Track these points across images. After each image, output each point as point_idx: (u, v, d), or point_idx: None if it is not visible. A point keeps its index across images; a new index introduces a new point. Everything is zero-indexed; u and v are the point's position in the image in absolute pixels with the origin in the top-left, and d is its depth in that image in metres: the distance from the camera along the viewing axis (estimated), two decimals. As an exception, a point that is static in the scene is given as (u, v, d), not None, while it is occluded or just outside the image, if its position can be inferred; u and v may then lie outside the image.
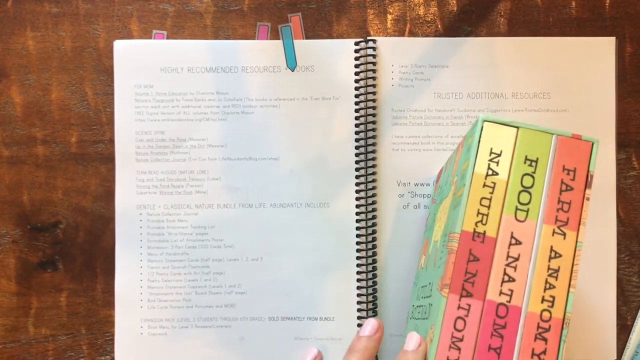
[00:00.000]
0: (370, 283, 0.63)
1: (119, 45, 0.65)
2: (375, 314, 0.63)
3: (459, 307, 0.40)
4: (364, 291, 0.63)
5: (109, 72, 0.65)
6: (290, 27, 0.65)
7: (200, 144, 0.64)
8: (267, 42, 0.65)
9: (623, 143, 0.64)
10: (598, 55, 0.64)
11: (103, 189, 0.65)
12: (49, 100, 0.65)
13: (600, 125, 0.64)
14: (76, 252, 0.64)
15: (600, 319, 0.63)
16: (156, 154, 0.64)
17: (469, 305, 0.41)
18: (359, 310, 0.63)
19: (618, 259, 0.63)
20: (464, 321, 0.40)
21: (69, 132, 0.65)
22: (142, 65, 0.65)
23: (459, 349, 0.40)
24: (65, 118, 0.65)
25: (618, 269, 0.63)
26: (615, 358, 0.63)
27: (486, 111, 0.64)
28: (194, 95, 0.65)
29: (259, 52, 0.65)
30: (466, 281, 0.41)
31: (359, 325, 0.63)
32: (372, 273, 0.63)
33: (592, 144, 0.42)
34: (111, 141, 0.65)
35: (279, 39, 0.65)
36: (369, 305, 0.63)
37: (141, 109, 0.65)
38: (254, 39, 0.65)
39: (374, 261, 0.63)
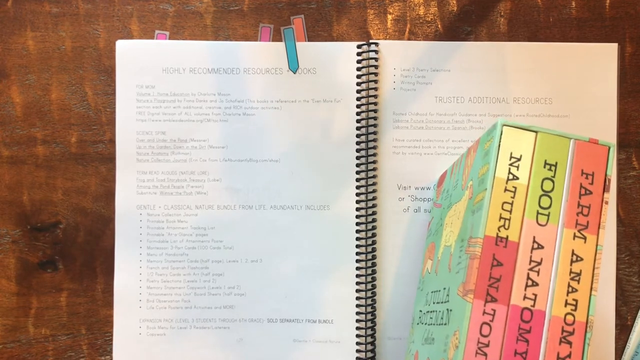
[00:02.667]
0: (369, 286, 0.63)
1: (121, 45, 0.64)
2: (374, 317, 0.63)
3: (484, 313, 0.40)
4: (363, 294, 0.63)
5: (109, 72, 0.65)
6: (292, 29, 0.65)
7: (201, 145, 0.64)
8: (269, 43, 0.65)
9: (623, 143, 0.64)
10: (600, 61, 0.64)
11: (103, 189, 0.64)
12: (49, 100, 0.64)
13: (602, 131, 0.64)
14: (76, 252, 0.64)
15: (600, 319, 0.63)
16: (157, 154, 0.64)
17: (494, 311, 0.40)
18: (357, 313, 0.63)
19: (618, 259, 0.63)
20: (490, 326, 0.40)
21: (69, 132, 0.65)
22: (144, 65, 0.64)
23: (485, 354, 0.40)
24: (65, 118, 0.65)
25: (618, 269, 0.63)
26: (615, 358, 0.63)
27: (487, 116, 0.64)
28: (196, 96, 0.64)
29: (261, 53, 0.64)
30: (490, 286, 0.41)
31: (358, 328, 0.63)
32: (371, 276, 0.63)
33: (609, 149, 0.43)
34: (111, 141, 0.64)
35: (281, 40, 0.65)
36: (368, 308, 0.63)
37: (142, 109, 0.64)
38: (254, 39, 0.65)
39: (374, 264, 0.63)
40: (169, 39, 0.65)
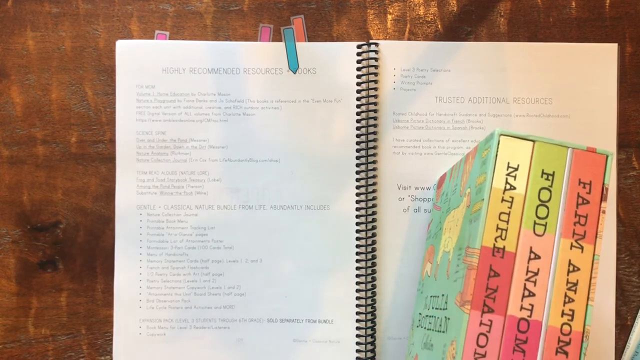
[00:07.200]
0: (369, 286, 0.63)
1: (121, 45, 0.64)
2: (374, 317, 0.63)
3: (480, 324, 0.41)
4: (362, 294, 0.63)
5: (109, 72, 0.65)
6: (292, 29, 0.65)
7: (201, 145, 0.64)
8: (269, 44, 0.65)
9: (623, 143, 0.64)
10: (600, 61, 0.64)
11: (103, 189, 0.64)
12: (49, 100, 0.64)
13: (601, 131, 0.64)
14: (76, 252, 0.64)
15: (600, 318, 0.63)
16: (157, 154, 0.64)
17: (491, 321, 0.41)
18: (357, 313, 0.63)
19: (618, 259, 0.63)
20: (486, 337, 0.40)
21: (69, 132, 0.65)
22: (144, 65, 0.64)
23: None
24: (65, 118, 0.65)
25: (618, 269, 0.63)
26: (615, 358, 0.63)
27: (487, 116, 0.64)
28: (196, 96, 0.64)
29: (261, 53, 0.64)
30: (487, 297, 0.41)
31: (358, 328, 0.63)
32: (371, 276, 0.63)
33: (607, 157, 0.43)
34: (111, 141, 0.64)
35: (281, 40, 0.65)
36: (368, 308, 0.63)
37: (142, 109, 0.64)
38: (254, 39, 0.65)
39: (374, 264, 0.63)
40: (169, 39, 0.65)
